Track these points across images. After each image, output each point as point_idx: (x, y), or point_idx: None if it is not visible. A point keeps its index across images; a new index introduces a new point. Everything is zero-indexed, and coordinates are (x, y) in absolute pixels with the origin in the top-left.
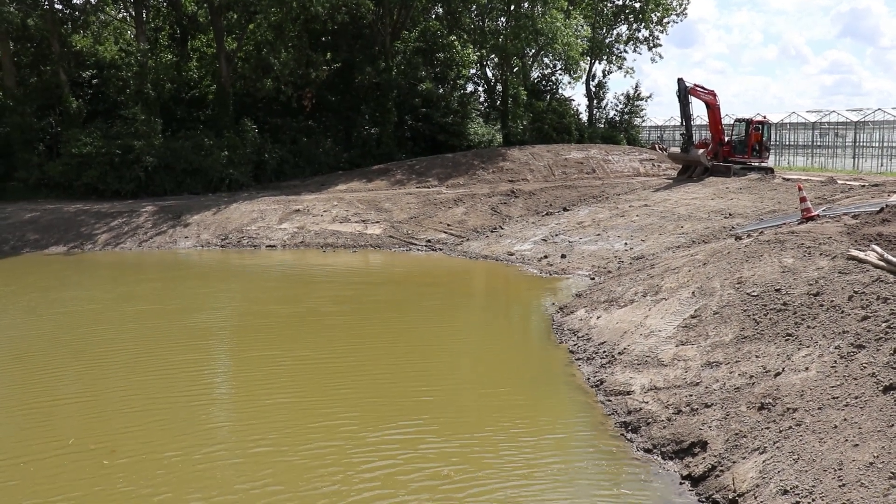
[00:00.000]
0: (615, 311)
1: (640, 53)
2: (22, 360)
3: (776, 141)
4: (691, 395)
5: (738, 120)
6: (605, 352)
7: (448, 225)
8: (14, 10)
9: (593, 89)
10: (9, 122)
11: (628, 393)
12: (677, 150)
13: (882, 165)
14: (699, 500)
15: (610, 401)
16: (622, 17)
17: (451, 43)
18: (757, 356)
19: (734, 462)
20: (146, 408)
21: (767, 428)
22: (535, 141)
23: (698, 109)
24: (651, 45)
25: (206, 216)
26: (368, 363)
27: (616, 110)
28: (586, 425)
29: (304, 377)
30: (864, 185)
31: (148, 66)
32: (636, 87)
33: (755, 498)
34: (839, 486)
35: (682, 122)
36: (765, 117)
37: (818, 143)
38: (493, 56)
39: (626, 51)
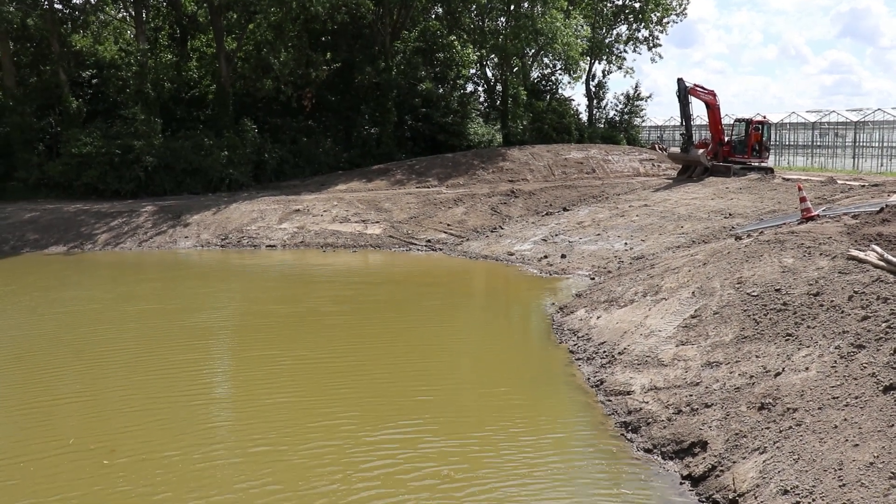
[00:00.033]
0: (615, 311)
1: (639, 53)
2: (22, 360)
3: (776, 141)
4: (691, 395)
5: (737, 120)
6: (605, 352)
7: (448, 225)
8: (14, 9)
9: (593, 89)
10: (9, 122)
11: (628, 393)
12: (677, 150)
13: (882, 165)
14: (699, 500)
15: (610, 401)
16: (622, 17)
17: (451, 43)
18: (757, 356)
19: (734, 462)
20: (146, 407)
21: (767, 428)
22: (534, 141)
23: (698, 109)
24: (651, 45)
25: (206, 216)
26: (368, 363)
27: (616, 110)
28: (586, 425)
29: (303, 377)
30: (863, 185)
31: (148, 66)
32: (636, 87)
33: (755, 498)
34: (839, 486)
35: (681, 122)
36: (765, 117)
37: (818, 143)
38: (492, 56)
39: (625, 51)
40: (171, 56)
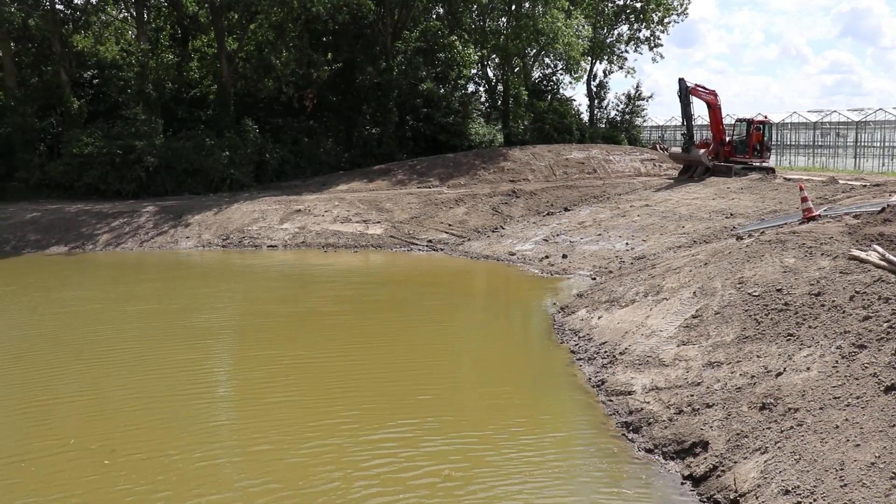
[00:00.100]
0: (616, 311)
1: (640, 53)
2: (22, 360)
3: (777, 141)
4: (692, 395)
5: (739, 120)
6: (606, 352)
7: (449, 225)
8: (15, 10)
9: (594, 89)
10: (10, 123)
11: (629, 393)
12: (678, 150)
13: (883, 165)
14: (700, 501)
15: (611, 401)
16: (623, 16)
17: (452, 43)
18: (758, 356)
19: (735, 462)
20: (147, 407)
21: (769, 428)
22: (536, 141)
23: (699, 109)
24: (652, 44)
25: (207, 216)
26: (369, 362)
27: (617, 110)
28: (587, 425)
29: (304, 376)
30: (865, 185)
31: (149, 67)
32: (637, 87)
33: (756, 498)
34: (841, 487)
35: (683, 122)
36: (766, 117)
37: (819, 143)
38: (494, 56)
39: (627, 51)
40: (173, 56)
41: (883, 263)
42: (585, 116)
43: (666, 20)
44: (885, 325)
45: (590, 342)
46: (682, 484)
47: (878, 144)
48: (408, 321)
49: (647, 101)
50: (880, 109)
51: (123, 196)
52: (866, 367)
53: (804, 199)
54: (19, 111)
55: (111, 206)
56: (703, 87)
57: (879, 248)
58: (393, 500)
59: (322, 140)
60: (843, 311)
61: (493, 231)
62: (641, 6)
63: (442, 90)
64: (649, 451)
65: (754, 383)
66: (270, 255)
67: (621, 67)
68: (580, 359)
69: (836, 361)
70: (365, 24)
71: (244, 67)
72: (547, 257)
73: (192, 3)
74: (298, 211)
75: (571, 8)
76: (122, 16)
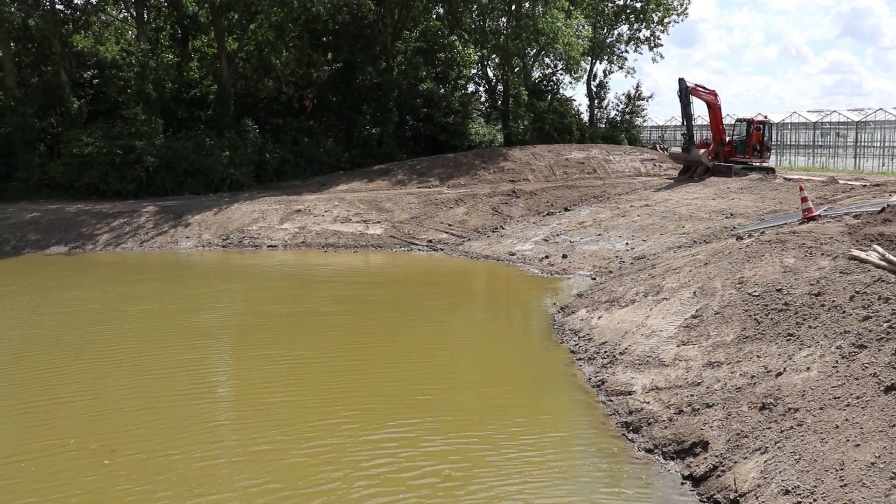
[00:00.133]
0: (616, 311)
1: (640, 53)
2: (22, 360)
3: (777, 141)
4: (693, 396)
5: (739, 120)
6: (606, 352)
7: (449, 225)
8: (15, 10)
9: (594, 89)
10: (10, 123)
11: (629, 393)
12: (678, 150)
13: (883, 165)
14: (700, 501)
15: (611, 401)
16: (623, 16)
17: (452, 43)
18: (758, 356)
19: (736, 462)
20: (147, 407)
21: (769, 428)
22: (536, 141)
23: (699, 109)
24: (652, 44)
25: (207, 216)
26: (369, 362)
27: (617, 110)
28: (587, 425)
29: (304, 376)
30: (865, 185)
31: (149, 67)
32: (637, 87)
33: (756, 498)
34: (841, 487)
35: (683, 122)
36: (766, 117)
37: (819, 143)
38: (494, 56)
39: (627, 51)
40: (173, 56)
41: (883, 263)
42: (585, 116)
43: (666, 20)
44: (885, 325)
45: (590, 342)
46: (682, 484)
47: (878, 144)
48: (408, 321)
49: (647, 101)
50: (880, 109)
51: (123, 196)
52: (866, 367)
53: (804, 199)
54: (19, 111)
55: (111, 206)
56: (703, 87)
57: (879, 248)
58: (393, 499)
59: (322, 140)
60: (843, 311)
61: (493, 231)
62: (641, 6)
63: (442, 90)
64: (649, 451)
65: (754, 383)
66: (270, 255)
67: (621, 67)
68: (580, 359)
69: (836, 361)
70: (365, 24)
71: (244, 67)
72: (547, 257)
73: (192, 3)
74: (298, 211)
75: (571, 8)
76: (122, 16)
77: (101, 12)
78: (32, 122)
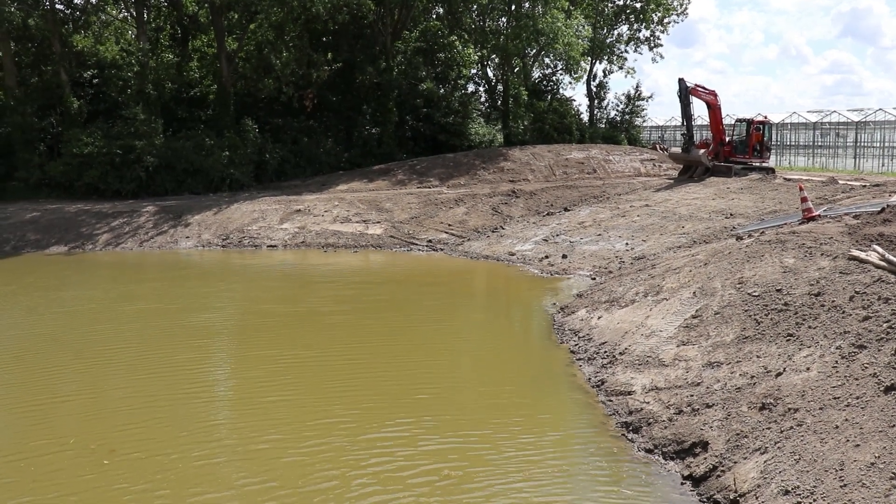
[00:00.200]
0: (616, 311)
1: (640, 53)
2: (22, 360)
3: (777, 141)
4: (692, 396)
5: (739, 120)
6: (606, 352)
7: (449, 225)
8: (15, 10)
9: (594, 89)
10: (10, 122)
11: (629, 393)
12: (678, 150)
13: (883, 165)
14: (700, 501)
15: (611, 401)
16: (623, 16)
17: (452, 43)
18: (758, 356)
19: (735, 462)
20: (146, 406)
21: (769, 428)
22: (535, 141)
23: (699, 109)
24: (652, 45)
25: (206, 216)
26: (369, 362)
27: (617, 110)
28: (587, 425)
29: (303, 376)
30: (865, 186)
31: (149, 66)
32: (637, 87)
33: (756, 498)
34: (840, 487)
35: (682, 123)
36: (766, 117)
37: (819, 144)
38: (493, 56)
39: (626, 51)
40: (173, 56)
41: (883, 264)
42: (585, 116)
43: (666, 20)
44: (884, 325)
45: (590, 342)
46: (682, 484)
47: (878, 144)
48: (407, 321)
49: (647, 101)
50: (880, 109)
51: (123, 196)
52: (866, 368)
53: (804, 200)
54: (19, 111)
55: (111, 206)
56: (703, 88)
57: (879, 249)
58: (391, 498)
59: (322, 140)
60: (843, 312)
61: (493, 231)
62: (641, 6)
63: (442, 90)
64: (649, 451)
65: (754, 383)
66: (270, 255)
67: (621, 67)
68: (580, 359)
69: (836, 361)
70: (365, 24)
71: (244, 67)
72: (547, 257)
73: (192, 3)
74: (298, 211)
75: (571, 8)
76: (122, 16)
77: (101, 12)
78: (32, 121)
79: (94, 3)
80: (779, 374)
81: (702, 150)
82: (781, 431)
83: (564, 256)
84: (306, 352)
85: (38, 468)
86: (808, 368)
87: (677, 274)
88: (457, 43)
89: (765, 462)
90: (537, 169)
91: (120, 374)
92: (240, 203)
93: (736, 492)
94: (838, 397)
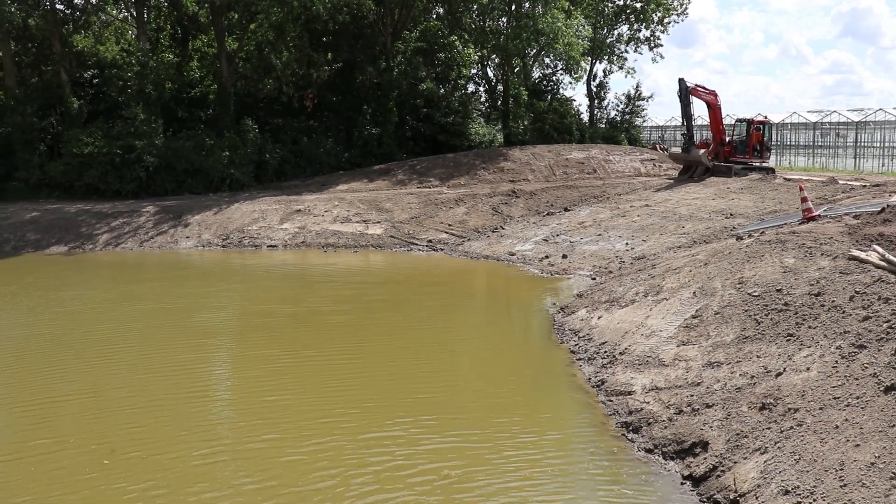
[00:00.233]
0: (616, 311)
1: (640, 53)
2: (22, 360)
3: (777, 141)
4: (692, 396)
5: (739, 120)
6: (606, 352)
7: (449, 225)
8: (15, 10)
9: (594, 89)
10: (10, 122)
11: (629, 393)
12: (678, 150)
13: (883, 165)
14: (700, 501)
15: (611, 401)
16: (623, 17)
17: (452, 43)
18: (758, 356)
19: (735, 462)
20: (146, 406)
21: (769, 428)
22: (535, 141)
23: (699, 109)
24: (652, 45)
25: (207, 216)
26: (369, 362)
27: (617, 110)
28: (587, 425)
29: (304, 376)
30: (865, 186)
31: (149, 66)
32: (637, 87)
33: (756, 498)
34: (840, 487)
35: (683, 123)
36: (766, 117)
37: (819, 144)
38: (494, 56)
39: (626, 51)
40: (173, 56)
41: (883, 264)
42: (585, 116)
43: (666, 20)
44: (884, 325)
45: (590, 342)
46: (682, 484)
47: (878, 144)
48: (408, 321)
49: (647, 101)
50: (880, 109)
51: (123, 196)
52: (866, 368)
53: (804, 200)
54: (19, 111)
55: (111, 206)
56: (703, 88)
57: (879, 249)
58: (391, 498)
59: (322, 140)
60: (843, 312)
61: (493, 231)
62: (641, 6)
63: (442, 90)
64: (649, 451)
65: (754, 383)
66: (270, 255)
67: (621, 67)
68: (580, 359)
69: (836, 361)
70: (365, 24)
71: (244, 67)
72: (547, 257)
73: (192, 3)
74: (298, 211)
75: (571, 8)
76: (122, 16)
77: (101, 12)
78: (32, 121)
79: (95, 3)
80: (779, 374)
81: (702, 150)
82: (781, 431)
83: (564, 256)
84: (306, 352)
85: (38, 468)
86: (808, 368)
87: (677, 274)
88: (457, 43)
89: (765, 462)
90: (537, 169)
91: (120, 374)
92: (240, 203)
93: (736, 492)
94: (838, 397)
